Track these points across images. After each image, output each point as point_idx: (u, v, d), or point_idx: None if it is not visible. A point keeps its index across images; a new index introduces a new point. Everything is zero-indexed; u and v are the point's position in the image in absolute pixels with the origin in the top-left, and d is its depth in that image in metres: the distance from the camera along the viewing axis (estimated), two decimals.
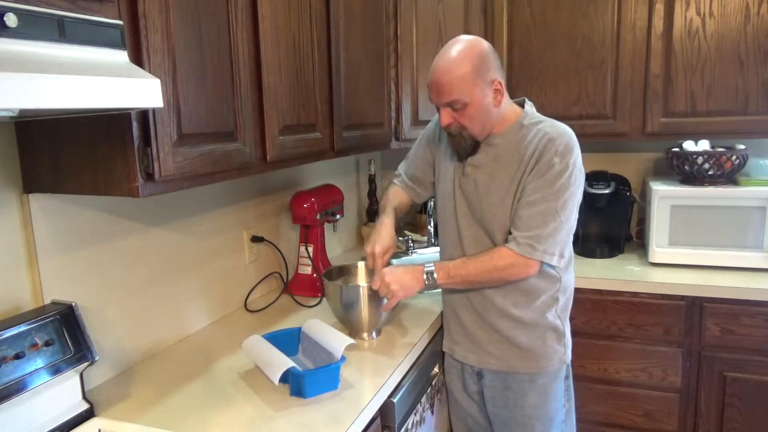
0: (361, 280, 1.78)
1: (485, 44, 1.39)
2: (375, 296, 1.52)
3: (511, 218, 1.42)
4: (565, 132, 1.41)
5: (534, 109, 1.50)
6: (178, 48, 1.10)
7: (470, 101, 1.36)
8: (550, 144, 1.38)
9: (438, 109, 1.43)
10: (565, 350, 1.53)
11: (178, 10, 1.10)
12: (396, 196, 1.72)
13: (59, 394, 1.14)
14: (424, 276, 1.46)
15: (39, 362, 1.08)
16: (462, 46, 1.36)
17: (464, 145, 1.45)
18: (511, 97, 1.50)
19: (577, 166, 1.40)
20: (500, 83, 1.39)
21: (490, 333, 1.51)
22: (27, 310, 1.18)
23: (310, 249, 1.95)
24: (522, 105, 1.50)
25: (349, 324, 1.62)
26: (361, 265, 1.79)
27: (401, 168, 1.76)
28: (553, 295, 1.49)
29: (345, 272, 1.78)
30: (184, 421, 1.19)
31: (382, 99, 2.07)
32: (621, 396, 2.11)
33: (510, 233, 1.41)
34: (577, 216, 1.46)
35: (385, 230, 1.57)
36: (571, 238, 1.49)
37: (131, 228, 1.44)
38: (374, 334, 1.62)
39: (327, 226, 2.14)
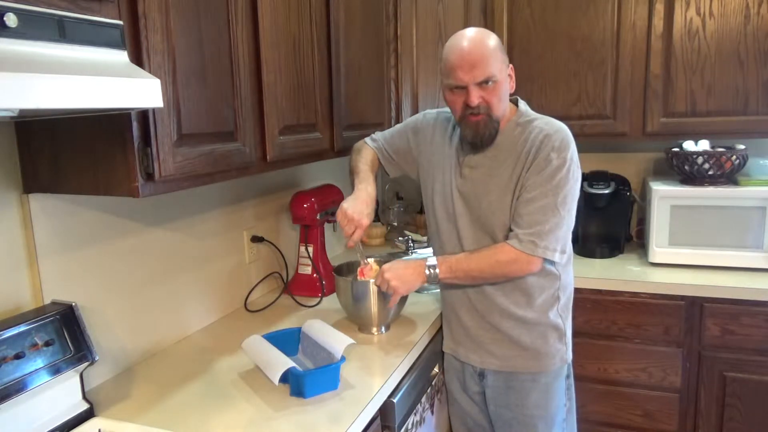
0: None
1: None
2: (383, 292, 1.54)
3: (510, 216, 1.42)
4: (561, 128, 1.41)
5: (527, 107, 1.50)
6: (178, 48, 1.10)
7: (500, 79, 1.37)
8: (546, 140, 1.38)
9: (447, 93, 1.41)
10: (566, 349, 1.54)
11: (178, 10, 1.10)
12: (373, 162, 1.65)
13: (59, 394, 1.14)
14: (426, 270, 1.45)
15: (39, 362, 1.08)
16: (479, 29, 1.40)
17: (490, 130, 1.40)
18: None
19: (575, 161, 1.40)
20: (513, 69, 1.43)
21: (493, 333, 1.51)
22: (27, 310, 1.17)
23: (310, 249, 1.95)
24: (515, 104, 1.50)
25: (358, 319, 1.64)
26: (371, 261, 1.80)
27: (380, 136, 1.71)
28: (554, 293, 1.49)
29: (355, 268, 1.79)
30: (184, 421, 1.19)
31: (382, 99, 2.07)
32: (621, 396, 2.11)
33: (511, 230, 1.41)
34: (575, 212, 1.46)
35: (371, 201, 1.49)
36: (570, 235, 1.50)
37: (131, 228, 1.44)
38: (383, 329, 1.64)
39: (327, 226, 2.14)
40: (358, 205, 1.46)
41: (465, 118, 1.40)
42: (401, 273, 1.47)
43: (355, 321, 1.68)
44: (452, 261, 1.46)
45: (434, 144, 1.58)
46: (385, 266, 1.49)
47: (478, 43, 1.35)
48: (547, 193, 1.37)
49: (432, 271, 1.45)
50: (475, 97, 1.36)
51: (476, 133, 1.41)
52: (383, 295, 1.54)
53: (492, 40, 1.37)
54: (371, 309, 1.59)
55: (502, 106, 1.41)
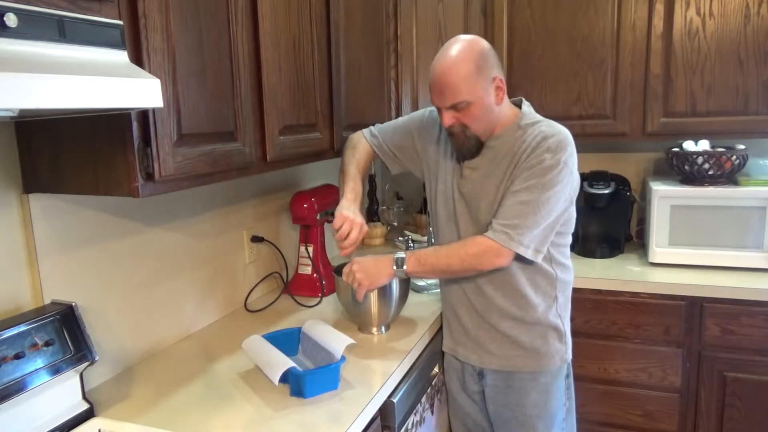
0: None
1: (484, 42, 1.38)
2: (384, 292, 1.54)
3: None
4: (560, 131, 1.40)
5: (531, 109, 1.49)
6: (178, 48, 1.10)
7: (474, 101, 1.35)
8: (543, 141, 1.37)
9: (439, 110, 1.42)
10: (566, 349, 1.54)
11: (178, 10, 1.10)
12: (367, 161, 1.64)
13: (59, 394, 1.14)
14: (393, 265, 1.43)
15: (39, 362, 1.08)
16: (461, 46, 1.35)
17: (468, 146, 1.43)
18: (510, 97, 1.49)
19: (568, 165, 1.38)
20: (501, 80, 1.39)
21: (492, 333, 1.51)
22: (27, 310, 1.18)
23: (310, 249, 1.95)
24: (519, 105, 1.50)
25: (358, 319, 1.65)
26: None
27: (380, 131, 1.68)
28: (553, 293, 1.49)
29: None
30: (184, 421, 1.19)
31: (382, 99, 2.07)
32: (621, 396, 2.11)
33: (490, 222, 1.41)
34: (572, 215, 1.47)
35: (359, 207, 1.50)
36: (570, 239, 1.50)
37: (131, 228, 1.44)
38: (383, 329, 1.64)
39: (327, 226, 2.14)
40: (353, 209, 1.48)
41: (448, 133, 1.44)
42: (367, 266, 1.44)
43: (355, 321, 1.68)
44: (421, 254, 1.45)
45: (440, 143, 1.58)
46: (356, 259, 1.46)
47: (449, 68, 1.34)
48: (531, 189, 1.35)
49: (400, 264, 1.43)
50: (447, 119, 1.38)
51: (458, 149, 1.46)
52: (386, 295, 1.54)
53: (467, 63, 1.33)
54: (371, 309, 1.59)
55: (481, 124, 1.40)
